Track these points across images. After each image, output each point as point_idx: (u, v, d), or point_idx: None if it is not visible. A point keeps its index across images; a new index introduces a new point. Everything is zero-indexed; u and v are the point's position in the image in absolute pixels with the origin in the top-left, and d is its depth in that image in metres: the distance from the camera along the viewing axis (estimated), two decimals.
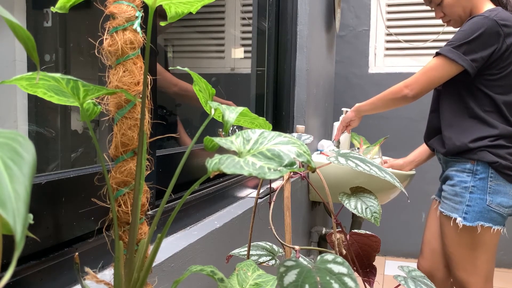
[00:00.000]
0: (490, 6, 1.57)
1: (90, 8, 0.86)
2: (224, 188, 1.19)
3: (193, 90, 0.57)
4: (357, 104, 1.82)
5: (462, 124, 1.55)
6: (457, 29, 1.66)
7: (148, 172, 0.55)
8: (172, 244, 0.82)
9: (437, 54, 1.55)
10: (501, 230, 1.52)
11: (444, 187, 1.62)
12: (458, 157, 1.56)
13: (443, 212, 1.59)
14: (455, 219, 1.52)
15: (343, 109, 2.58)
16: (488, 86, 1.52)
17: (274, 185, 1.43)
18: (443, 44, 3.00)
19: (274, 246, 0.81)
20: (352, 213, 2.03)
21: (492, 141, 1.50)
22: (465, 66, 1.48)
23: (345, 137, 2.45)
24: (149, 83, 0.53)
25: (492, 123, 1.51)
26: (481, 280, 1.55)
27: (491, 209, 1.48)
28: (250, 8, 2.14)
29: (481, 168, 1.50)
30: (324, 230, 2.30)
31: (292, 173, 0.81)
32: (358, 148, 2.12)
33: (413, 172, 2.03)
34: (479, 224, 1.49)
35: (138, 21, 0.53)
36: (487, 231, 1.50)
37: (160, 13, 0.55)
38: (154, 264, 0.59)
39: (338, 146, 2.08)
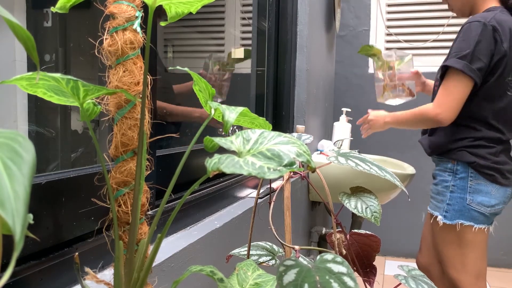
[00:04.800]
0: (491, 3, 1.55)
1: (90, 8, 0.86)
2: (224, 188, 1.19)
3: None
4: (388, 118, 1.75)
5: (446, 128, 1.56)
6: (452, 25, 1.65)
7: (148, 172, 0.55)
8: (172, 244, 0.83)
9: (452, 68, 1.48)
10: (485, 229, 1.53)
11: (430, 186, 1.67)
12: (441, 156, 1.60)
13: (429, 210, 1.65)
14: (437, 217, 1.57)
15: (343, 109, 2.58)
16: (478, 92, 1.50)
17: (274, 185, 1.43)
18: (443, 44, 3.01)
19: (274, 246, 0.81)
20: (352, 213, 2.03)
21: (472, 142, 1.52)
22: (473, 77, 1.45)
23: (344, 133, 2.46)
24: (149, 83, 0.53)
25: (476, 128, 1.53)
26: (472, 278, 1.57)
27: (472, 208, 1.51)
28: (250, 8, 2.14)
29: (461, 168, 1.53)
30: (324, 230, 2.30)
31: (292, 173, 0.81)
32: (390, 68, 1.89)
33: (413, 171, 2.03)
34: (459, 222, 1.52)
35: (138, 21, 0.53)
36: (469, 229, 1.52)
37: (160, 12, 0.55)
38: (154, 264, 0.60)
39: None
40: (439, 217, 1.56)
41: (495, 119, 1.52)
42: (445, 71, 1.51)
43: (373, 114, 1.82)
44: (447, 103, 1.48)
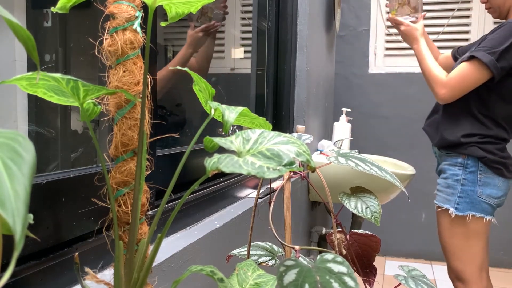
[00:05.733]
0: None
1: (90, 8, 0.86)
2: (224, 188, 1.19)
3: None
4: (413, 46, 1.74)
5: (459, 119, 1.63)
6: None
7: (148, 172, 0.55)
8: (172, 244, 0.83)
9: (476, 58, 1.53)
10: (492, 220, 1.62)
11: (438, 180, 1.72)
12: (450, 151, 1.66)
13: (436, 203, 1.69)
14: (448, 209, 1.63)
15: (343, 109, 2.58)
16: (497, 90, 1.56)
17: (274, 185, 1.43)
18: (443, 44, 3.01)
19: (274, 246, 0.81)
20: (352, 213, 2.03)
21: (482, 138, 1.59)
22: (495, 74, 1.51)
23: (344, 133, 2.46)
24: (149, 83, 0.53)
25: (486, 124, 1.60)
26: (477, 269, 1.64)
27: (482, 200, 1.59)
28: (250, 8, 2.14)
29: (471, 162, 1.60)
30: (324, 230, 2.30)
31: (292, 173, 0.81)
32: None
33: (413, 172, 2.03)
34: (470, 214, 1.59)
35: (138, 21, 0.53)
36: (480, 220, 1.60)
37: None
38: (154, 264, 0.60)
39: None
40: (451, 209, 1.62)
41: (504, 120, 1.61)
42: (464, 60, 1.57)
43: (407, 30, 1.76)
44: (456, 89, 1.57)
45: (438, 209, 1.68)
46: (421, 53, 1.71)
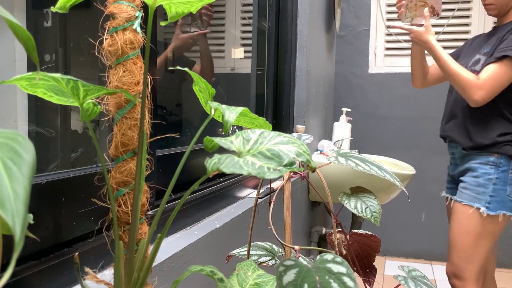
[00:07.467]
0: None
1: (90, 8, 0.86)
2: (224, 188, 1.19)
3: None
4: (427, 45, 1.68)
5: (489, 121, 1.64)
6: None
7: (148, 172, 0.55)
8: (172, 244, 0.83)
9: (508, 57, 1.55)
10: None
11: (465, 178, 1.70)
12: (480, 150, 1.66)
13: (462, 202, 1.67)
14: (478, 208, 1.62)
15: (343, 109, 2.58)
16: None
17: (274, 185, 1.43)
18: (443, 44, 3.00)
19: (274, 246, 0.81)
20: (352, 213, 2.03)
21: None
22: None
23: (344, 133, 2.46)
24: (149, 83, 0.53)
25: None
26: (477, 267, 1.65)
27: (511, 199, 1.61)
28: (250, 8, 2.14)
29: (504, 161, 1.62)
30: (324, 230, 2.30)
31: (292, 173, 0.81)
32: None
33: (413, 172, 2.03)
34: (502, 213, 1.60)
35: (138, 21, 0.53)
36: (507, 219, 1.62)
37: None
38: (154, 264, 0.60)
39: None
40: (482, 209, 1.61)
41: None
42: (492, 61, 1.58)
43: (418, 31, 1.72)
44: (492, 89, 1.57)
45: (461, 207, 1.66)
46: (435, 53, 1.65)
